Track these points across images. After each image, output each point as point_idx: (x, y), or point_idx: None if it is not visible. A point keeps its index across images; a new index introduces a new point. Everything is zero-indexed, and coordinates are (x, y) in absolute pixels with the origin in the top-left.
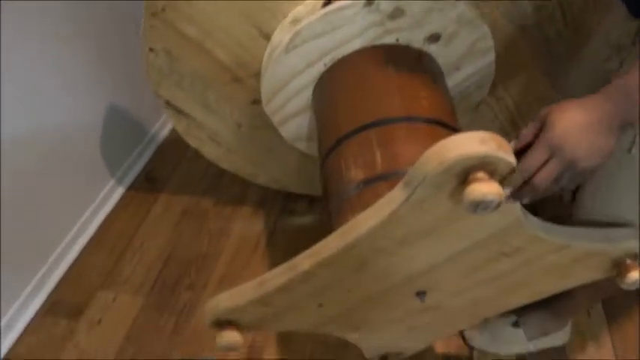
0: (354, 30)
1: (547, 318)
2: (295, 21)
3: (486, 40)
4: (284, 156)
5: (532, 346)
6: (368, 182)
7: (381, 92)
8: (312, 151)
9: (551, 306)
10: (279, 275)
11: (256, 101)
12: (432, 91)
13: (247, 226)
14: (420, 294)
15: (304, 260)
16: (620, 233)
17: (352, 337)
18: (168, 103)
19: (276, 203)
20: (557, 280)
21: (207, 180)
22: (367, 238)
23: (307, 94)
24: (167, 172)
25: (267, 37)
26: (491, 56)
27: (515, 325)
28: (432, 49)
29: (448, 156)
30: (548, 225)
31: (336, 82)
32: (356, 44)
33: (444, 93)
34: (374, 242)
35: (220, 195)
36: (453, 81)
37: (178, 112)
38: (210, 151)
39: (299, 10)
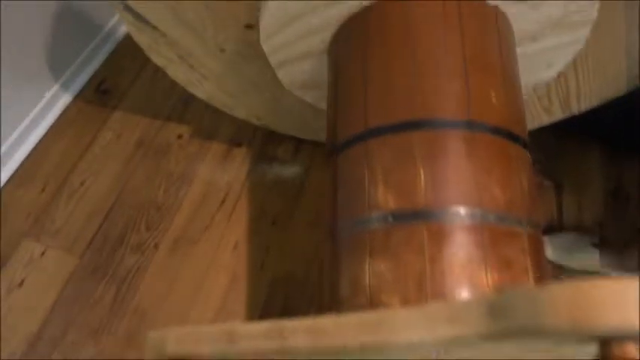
0: None
1: (627, 255)
2: None
3: (590, 11)
4: (273, 92)
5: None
6: (401, 217)
7: (437, 71)
8: (316, 101)
9: (632, 245)
10: (257, 337)
11: (251, 26)
12: (504, 80)
13: (215, 171)
14: None
15: (298, 334)
16: None
17: None
18: (127, 8)
19: (254, 144)
20: None
21: (172, 102)
22: (403, 347)
23: (325, 36)
24: (123, 84)
25: None
26: (584, 31)
27: (595, 245)
28: (514, 9)
29: (592, 319)
30: None
31: (374, 33)
32: None
33: (517, 82)
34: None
35: (186, 125)
36: (519, 52)
37: (141, 20)
38: (178, 74)
39: None
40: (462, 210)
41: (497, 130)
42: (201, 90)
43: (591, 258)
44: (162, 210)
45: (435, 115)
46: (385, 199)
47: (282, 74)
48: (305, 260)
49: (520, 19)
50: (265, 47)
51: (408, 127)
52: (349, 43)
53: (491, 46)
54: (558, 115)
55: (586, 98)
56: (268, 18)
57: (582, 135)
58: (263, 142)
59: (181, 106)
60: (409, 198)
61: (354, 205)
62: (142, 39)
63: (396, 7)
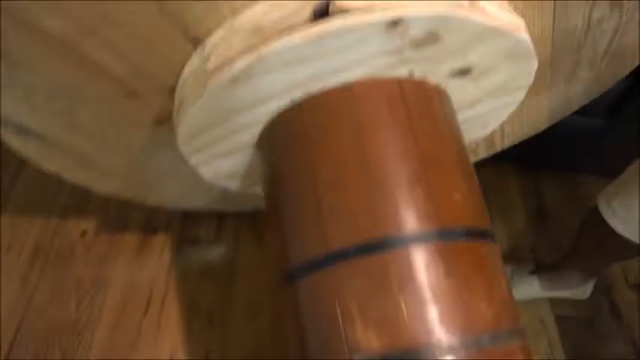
0: (353, 57)
1: (565, 274)
2: (257, 30)
3: (529, 76)
4: (191, 175)
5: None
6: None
7: (395, 178)
8: (245, 188)
9: (568, 263)
10: None
11: (160, 121)
12: (462, 170)
13: (133, 268)
14: None
15: None
16: None
17: None
18: (6, 122)
19: (172, 228)
20: None
21: (66, 193)
22: None
23: (255, 130)
24: (3, 183)
25: (196, 43)
26: (521, 94)
27: (532, 273)
28: (452, 84)
29: None
30: None
31: (310, 131)
32: (347, 75)
33: (469, 164)
34: None
35: (89, 218)
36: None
37: (25, 133)
38: (77, 177)
39: (260, 11)
40: (454, 341)
41: (469, 233)
42: (106, 187)
43: (532, 286)
44: (77, 329)
45: (403, 230)
46: (367, 337)
47: (203, 171)
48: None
49: (459, 92)
50: (183, 149)
51: (377, 247)
52: (287, 142)
53: (442, 134)
54: (483, 155)
55: (509, 137)
56: (187, 123)
57: (496, 158)
58: (181, 225)
59: (79, 197)
60: (394, 336)
61: (328, 349)
62: (29, 152)
63: (333, 100)
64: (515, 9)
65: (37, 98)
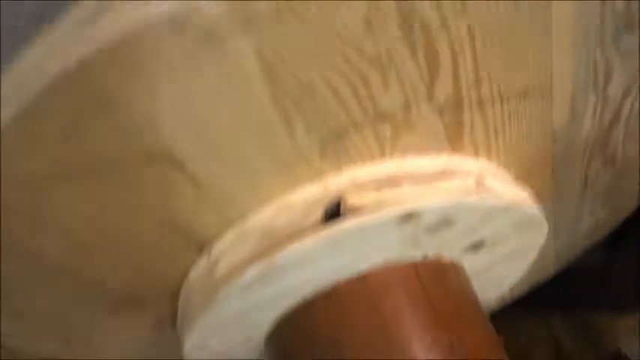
0: (366, 250)
1: None
2: (267, 234)
3: (540, 239)
4: None
5: None
6: None
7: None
8: None
9: None
10: None
11: (160, 324)
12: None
13: None
14: None
15: None
16: None
17: None
18: None
19: None
20: None
21: None
22: None
23: (260, 333)
24: None
25: (202, 247)
26: (533, 254)
27: None
28: (468, 258)
29: None
30: None
31: (323, 327)
32: (360, 266)
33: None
34: None
35: None
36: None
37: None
38: None
39: (269, 214)
40: None
41: None
42: None
43: None
44: None
45: None
46: None
47: None
48: None
49: (473, 261)
50: (188, 353)
51: None
52: (298, 341)
53: (460, 307)
54: (493, 308)
55: (517, 287)
56: (196, 332)
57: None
58: None
59: None
60: None
61: None
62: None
63: (351, 298)
64: (517, 177)
65: (24, 323)
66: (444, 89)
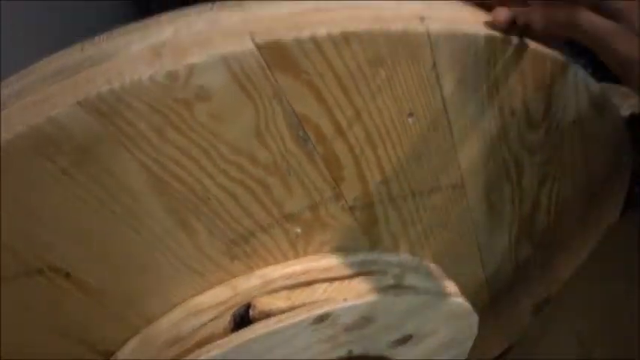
0: (282, 353)
1: None
2: (175, 340)
3: (472, 328)
4: None
5: None
6: None
7: None
8: None
9: None
10: None
11: None
12: None
13: None
14: None
15: None
16: None
17: None
18: None
19: None
20: None
21: None
22: None
23: None
24: None
25: (107, 355)
26: (469, 343)
27: None
28: (398, 352)
29: None
30: None
31: None
32: None
33: None
34: None
35: None
36: None
37: None
38: None
39: (177, 317)
40: None
41: None
42: None
43: None
44: None
45: None
46: None
47: None
48: None
49: (404, 354)
50: None
51: None
52: None
53: None
54: None
55: None
56: None
57: None
58: None
59: None
60: None
61: None
62: None
63: None
64: (445, 269)
65: None
66: (351, 189)
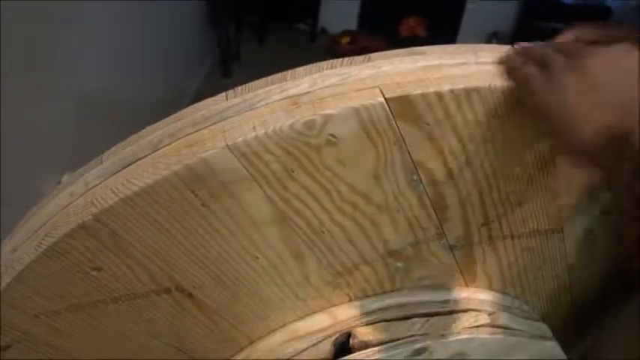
0: None
1: None
2: None
3: None
4: None
5: None
6: None
7: None
8: None
9: None
10: None
11: None
12: None
13: None
14: None
15: None
16: None
17: None
18: None
19: None
20: None
21: None
22: None
23: None
24: None
25: None
26: None
27: None
28: None
29: None
30: None
31: None
32: None
33: None
34: None
35: None
36: None
37: None
38: None
39: (279, 340)
40: None
41: None
42: None
43: None
44: None
45: None
46: None
47: None
48: None
49: None
50: None
51: None
52: None
53: None
54: None
55: None
56: None
57: None
58: None
59: None
60: None
61: None
62: None
63: None
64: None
65: None
66: (454, 229)
